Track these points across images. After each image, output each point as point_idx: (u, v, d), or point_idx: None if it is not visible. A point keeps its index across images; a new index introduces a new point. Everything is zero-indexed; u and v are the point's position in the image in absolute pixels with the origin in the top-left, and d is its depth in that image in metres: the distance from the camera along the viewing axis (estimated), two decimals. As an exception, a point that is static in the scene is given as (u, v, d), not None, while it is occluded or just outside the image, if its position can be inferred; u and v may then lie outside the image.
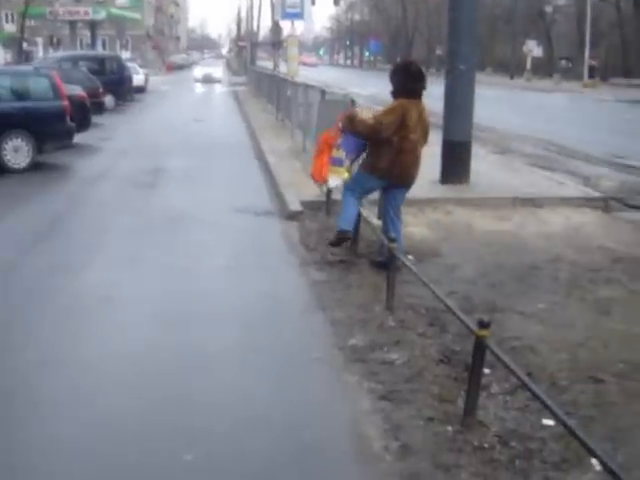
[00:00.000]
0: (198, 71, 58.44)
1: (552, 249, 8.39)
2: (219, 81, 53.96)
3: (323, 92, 13.20)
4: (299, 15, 31.83)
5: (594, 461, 3.67)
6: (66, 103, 14.21)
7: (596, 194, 11.35)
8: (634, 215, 10.33)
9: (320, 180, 8.02)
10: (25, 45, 56.42)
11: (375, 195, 8.58)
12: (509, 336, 5.73)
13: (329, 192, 9.49)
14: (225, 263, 8.03)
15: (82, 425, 4.44)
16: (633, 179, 13.65)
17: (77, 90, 17.35)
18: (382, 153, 7.27)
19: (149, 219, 9.94)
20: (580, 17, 64.43)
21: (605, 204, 10.69)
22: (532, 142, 19.19)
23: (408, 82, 7.36)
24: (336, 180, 7.64)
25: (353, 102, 10.70)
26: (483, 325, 4.17)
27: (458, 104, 11.44)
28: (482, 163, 12.15)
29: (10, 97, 13.89)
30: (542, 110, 32.04)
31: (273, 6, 40.88)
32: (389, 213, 7.61)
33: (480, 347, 4.20)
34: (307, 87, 15.68)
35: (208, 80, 53.21)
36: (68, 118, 14.25)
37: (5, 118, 13.45)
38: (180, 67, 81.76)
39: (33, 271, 7.59)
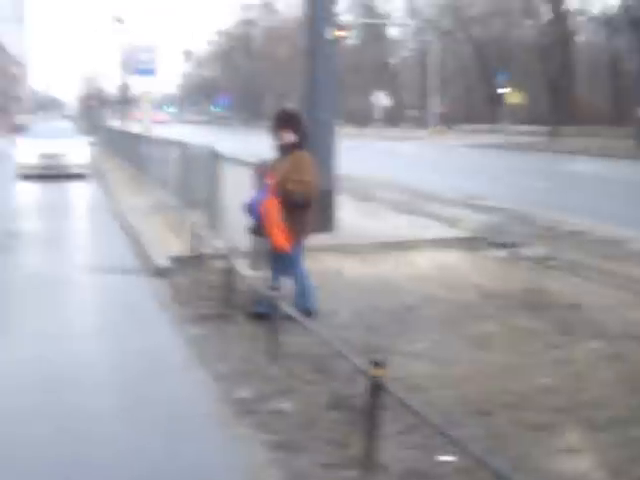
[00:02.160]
0: (28, 148, 23.71)
1: (425, 289, 8.54)
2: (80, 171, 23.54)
3: (184, 146, 13.09)
4: (151, 72, 31.64)
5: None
6: None
7: (461, 234, 11.68)
8: (497, 252, 10.69)
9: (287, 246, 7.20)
10: None
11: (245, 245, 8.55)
12: (394, 376, 5.72)
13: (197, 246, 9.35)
14: (97, 324, 7.76)
15: None
16: (493, 218, 14.12)
17: None
18: (307, 212, 7.20)
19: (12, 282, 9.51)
20: (423, 67, 67.25)
21: (470, 243, 11.00)
22: (391, 188, 19.63)
23: (304, 132, 7.25)
24: None
25: (218, 155, 10.64)
26: (378, 365, 4.15)
27: (320, 153, 11.50)
28: (344, 211, 12.26)
29: None
30: (396, 157, 32.96)
31: (123, 63, 40.35)
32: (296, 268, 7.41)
33: (376, 387, 4.17)
34: (167, 143, 15.53)
35: (54, 169, 23.16)
36: None
37: None
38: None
39: None
